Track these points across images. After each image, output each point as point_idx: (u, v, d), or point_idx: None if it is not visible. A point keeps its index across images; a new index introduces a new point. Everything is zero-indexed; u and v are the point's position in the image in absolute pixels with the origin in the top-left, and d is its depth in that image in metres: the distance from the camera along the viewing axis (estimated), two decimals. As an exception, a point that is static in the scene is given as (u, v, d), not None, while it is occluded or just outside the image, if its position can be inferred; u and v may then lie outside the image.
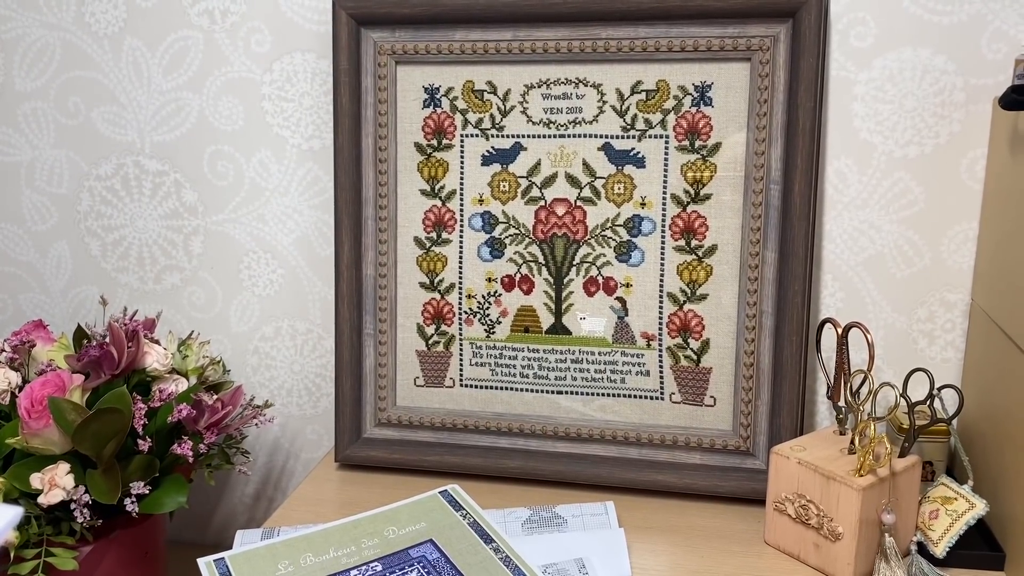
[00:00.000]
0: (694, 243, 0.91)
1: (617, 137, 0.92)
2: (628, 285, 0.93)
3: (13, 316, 1.16)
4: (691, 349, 0.93)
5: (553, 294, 0.95)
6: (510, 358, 0.97)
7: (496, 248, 0.96)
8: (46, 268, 1.14)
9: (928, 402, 0.79)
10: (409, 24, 0.93)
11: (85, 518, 0.80)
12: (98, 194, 1.10)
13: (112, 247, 1.12)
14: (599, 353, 0.95)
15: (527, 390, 0.97)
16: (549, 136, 0.93)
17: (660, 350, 0.93)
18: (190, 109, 1.06)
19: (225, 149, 1.06)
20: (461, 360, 0.98)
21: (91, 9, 1.05)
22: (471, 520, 0.80)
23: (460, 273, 0.97)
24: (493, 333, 0.97)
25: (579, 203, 0.93)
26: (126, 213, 1.10)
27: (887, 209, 0.94)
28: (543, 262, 0.95)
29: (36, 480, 0.80)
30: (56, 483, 0.80)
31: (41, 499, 0.79)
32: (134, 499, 0.82)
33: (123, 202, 1.10)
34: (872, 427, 0.76)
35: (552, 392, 0.96)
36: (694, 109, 0.90)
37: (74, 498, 0.80)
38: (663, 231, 0.92)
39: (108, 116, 1.08)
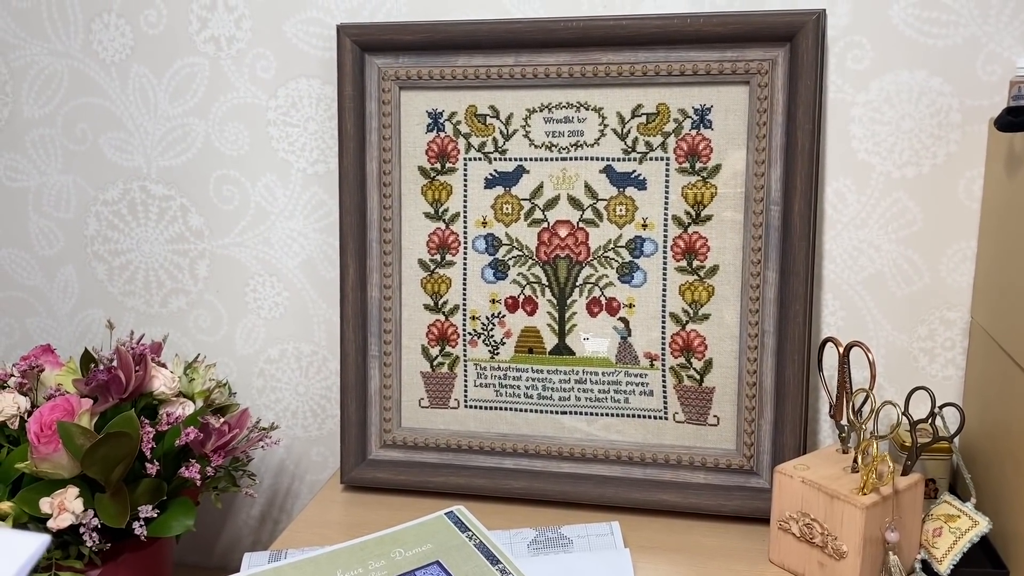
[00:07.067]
0: (696, 263, 0.92)
1: (618, 160, 0.93)
2: (631, 306, 0.94)
3: (20, 340, 1.17)
4: (694, 369, 0.93)
5: (556, 315, 0.96)
6: (514, 379, 0.97)
7: (500, 270, 0.97)
8: (53, 292, 1.15)
9: (930, 420, 0.80)
10: (412, 50, 0.94)
11: (94, 542, 0.81)
12: (105, 219, 1.11)
13: (119, 271, 1.13)
14: (602, 373, 0.95)
15: (531, 411, 0.97)
16: (551, 159, 0.94)
17: (663, 370, 0.94)
18: (196, 134, 1.07)
19: (231, 174, 1.07)
20: (465, 381, 0.99)
21: (98, 37, 1.07)
22: (477, 541, 0.80)
23: (464, 295, 0.98)
24: (497, 354, 0.98)
25: (581, 225, 0.94)
26: (132, 237, 1.11)
27: (886, 228, 0.95)
28: (546, 283, 0.96)
29: (45, 504, 0.80)
30: (65, 507, 0.80)
31: (50, 523, 0.80)
32: (142, 522, 0.83)
33: (129, 226, 1.11)
34: (875, 445, 0.76)
35: (556, 412, 0.97)
36: (694, 132, 0.91)
37: (83, 522, 0.80)
38: (665, 252, 0.93)
39: (115, 142, 1.09)
